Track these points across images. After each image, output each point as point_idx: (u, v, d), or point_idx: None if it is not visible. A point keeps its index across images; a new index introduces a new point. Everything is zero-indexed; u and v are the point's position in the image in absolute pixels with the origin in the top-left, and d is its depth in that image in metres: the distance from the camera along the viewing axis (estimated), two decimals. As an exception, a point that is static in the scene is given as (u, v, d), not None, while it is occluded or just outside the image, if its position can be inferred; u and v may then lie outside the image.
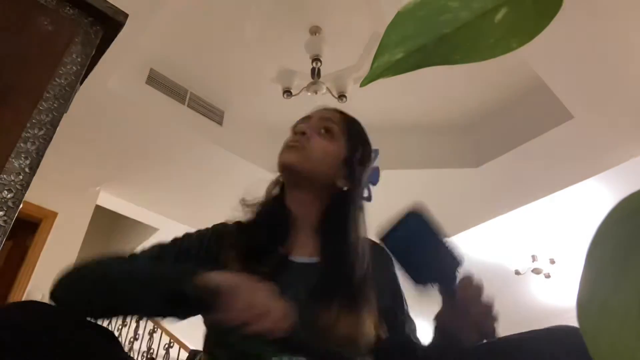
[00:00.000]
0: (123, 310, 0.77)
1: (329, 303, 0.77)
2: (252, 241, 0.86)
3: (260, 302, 0.63)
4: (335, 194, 0.92)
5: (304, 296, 0.79)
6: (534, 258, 5.00)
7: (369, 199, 0.98)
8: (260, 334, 0.60)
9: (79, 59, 0.88)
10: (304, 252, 0.87)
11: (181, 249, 0.87)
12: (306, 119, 0.98)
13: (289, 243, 0.88)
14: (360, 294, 0.80)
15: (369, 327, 0.78)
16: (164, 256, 0.85)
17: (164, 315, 0.68)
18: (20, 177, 0.74)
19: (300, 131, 0.93)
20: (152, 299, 0.67)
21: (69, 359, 0.57)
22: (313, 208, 0.92)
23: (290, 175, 0.92)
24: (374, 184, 1.01)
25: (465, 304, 0.71)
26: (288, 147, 0.92)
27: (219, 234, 0.91)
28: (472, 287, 0.71)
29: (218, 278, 0.64)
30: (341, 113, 1.00)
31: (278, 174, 0.96)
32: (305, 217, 0.91)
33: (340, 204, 0.91)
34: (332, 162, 0.92)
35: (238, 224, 0.93)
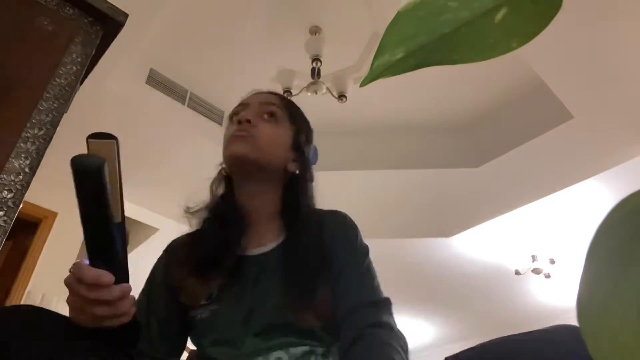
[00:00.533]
0: None
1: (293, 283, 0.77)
2: (204, 252, 0.83)
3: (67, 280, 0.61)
4: (288, 178, 0.90)
5: (269, 284, 0.79)
6: (534, 258, 4.99)
7: (311, 179, 0.97)
8: None
9: (79, 59, 0.88)
10: (260, 242, 0.85)
11: (150, 296, 0.85)
12: (244, 105, 0.92)
13: (245, 239, 0.85)
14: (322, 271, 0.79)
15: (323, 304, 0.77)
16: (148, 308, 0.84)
17: None
18: (20, 177, 0.74)
19: (245, 119, 0.87)
20: None
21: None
22: (268, 197, 0.89)
23: (242, 167, 0.87)
24: (314, 163, 1.02)
25: None
26: (235, 138, 0.86)
27: (169, 254, 0.89)
28: None
29: None
30: (280, 96, 0.97)
31: (222, 167, 0.93)
32: (261, 208, 0.88)
33: (296, 188, 0.89)
34: (281, 147, 0.89)
35: (188, 235, 0.90)
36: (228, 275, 0.79)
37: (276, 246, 0.84)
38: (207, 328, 0.78)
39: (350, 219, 0.90)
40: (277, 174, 0.89)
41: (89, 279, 0.55)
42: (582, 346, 0.18)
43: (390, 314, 0.77)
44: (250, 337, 0.74)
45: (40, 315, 0.61)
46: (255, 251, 0.84)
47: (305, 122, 0.98)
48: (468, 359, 0.70)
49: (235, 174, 0.91)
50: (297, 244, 0.82)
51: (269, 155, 0.87)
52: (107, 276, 0.56)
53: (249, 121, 0.87)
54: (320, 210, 0.92)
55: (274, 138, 0.88)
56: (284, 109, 0.93)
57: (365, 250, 0.86)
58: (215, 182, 0.94)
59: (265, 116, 0.90)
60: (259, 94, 0.96)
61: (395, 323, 0.75)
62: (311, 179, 0.94)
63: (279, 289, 0.77)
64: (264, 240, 0.85)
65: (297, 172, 0.91)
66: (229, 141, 0.87)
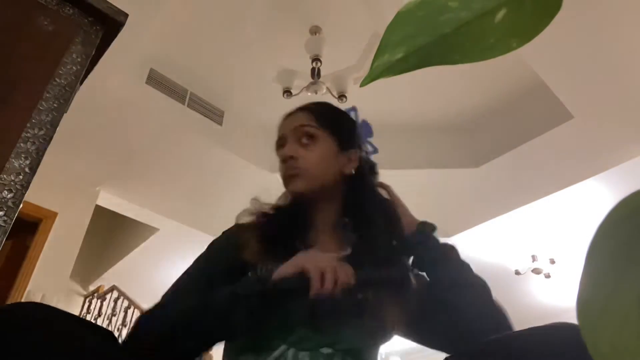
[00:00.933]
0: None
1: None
2: (271, 232, 0.87)
3: (328, 264, 0.72)
4: (346, 180, 0.94)
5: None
6: (534, 258, 4.99)
7: (375, 151, 1.01)
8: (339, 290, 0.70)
9: (79, 59, 0.88)
10: (324, 249, 0.87)
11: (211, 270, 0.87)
12: (282, 140, 0.96)
13: (309, 241, 0.89)
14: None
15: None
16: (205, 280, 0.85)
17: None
18: (20, 177, 0.74)
19: (288, 156, 0.91)
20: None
21: (67, 359, 0.57)
22: (333, 206, 0.94)
23: (306, 198, 0.92)
24: (371, 135, 1.04)
25: None
26: (289, 177, 0.91)
27: (237, 234, 0.91)
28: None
29: (291, 265, 0.74)
30: (307, 110, 0.98)
31: (285, 191, 0.96)
32: (326, 217, 0.93)
33: (355, 185, 0.94)
34: (330, 162, 0.93)
35: (254, 223, 0.92)
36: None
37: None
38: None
39: None
40: (336, 183, 0.94)
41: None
42: (583, 344, 0.18)
43: None
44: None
45: (46, 311, 0.61)
46: None
47: (342, 119, 1.01)
48: (470, 356, 0.70)
49: (302, 202, 0.94)
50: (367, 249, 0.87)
51: (323, 177, 0.92)
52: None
53: (292, 157, 0.91)
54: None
55: (320, 161, 0.92)
56: (318, 122, 0.95)
57: None
58: (282, 199, 0.97)
59: (304, 140, 0.93)
60: (290, 118, 0.98)
61: None
62: (372, 171, 0.99)
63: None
64: (328, 248, 0.88)
65: (354, 171, 0.95)
66: (285, 181, 0.93)
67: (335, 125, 0.96)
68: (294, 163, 0.91)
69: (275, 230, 0.88)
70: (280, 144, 0.96)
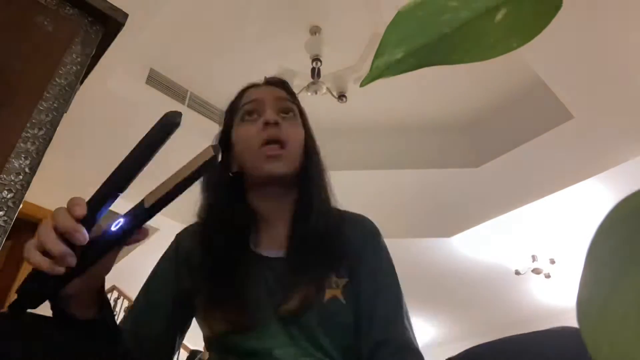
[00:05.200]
0: None
1: (294, 290, 0.74)
2: (218, 241, 0.80)
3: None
4: (302, 175, 0.83)
5: (273, 286, 0.76)
6: (534, 258, 4.99)
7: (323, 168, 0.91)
8: None
9: (79, 59, 0.88)
10: (272, 246, 0.82)
11: (155, 283, 0.83)
12: (259, 102, 0.84)
13: (258, 238, 0.82)
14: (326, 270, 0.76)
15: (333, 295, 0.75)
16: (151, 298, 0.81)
17: None
18: (20, 177, 0.74)
19: (273, 121, 0.80)
20: None
21: None
22: (287, 198, 0.84)
23: (277, 182, 0.82)
24: None
25: None
26: (271, 158, 0.79)
27: (181, 242, 0.86)
28: None
29: None
30: (285, 83, 0.90)
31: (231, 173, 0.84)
32: (279, 211, 0.84)
33: (309, 181, 0.83)
34: (301, 148, 0.84)
35: (200, 225, 0.85)
36: (240, 267, 0.77)
37: (284, 256, 0.81)
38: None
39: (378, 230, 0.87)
40: (297, 175, 0.84)
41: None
42: (583, 348, 0.18)
43: None
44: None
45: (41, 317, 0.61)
46: (266, 252, 0.81)
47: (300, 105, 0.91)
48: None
49: (264, 184, 0.83)
50: (305, 231, 0.78)
51: (297, 162, 0.82)
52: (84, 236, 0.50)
53: (277, 123, 0.80)
54: (344, 211, 0.88)
55: (298, 142, 0.83)
56: (294, 101, 0.88)
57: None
58: (221, 186, 0.85)
59: (282, 114, 0.84)
60: (269, 86, 0.91)
61: None
62: (323, 168, 0.87)
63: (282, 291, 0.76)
64: (275, 245, 0.82)
65: (308, 165, 0.84)
66: (264, 160, 0.79)
67: (302, 108, 0.88)
68: (277, 133, 0.79)
69: (222, 235, 0.79)
70: (252, 108, 0.84)
